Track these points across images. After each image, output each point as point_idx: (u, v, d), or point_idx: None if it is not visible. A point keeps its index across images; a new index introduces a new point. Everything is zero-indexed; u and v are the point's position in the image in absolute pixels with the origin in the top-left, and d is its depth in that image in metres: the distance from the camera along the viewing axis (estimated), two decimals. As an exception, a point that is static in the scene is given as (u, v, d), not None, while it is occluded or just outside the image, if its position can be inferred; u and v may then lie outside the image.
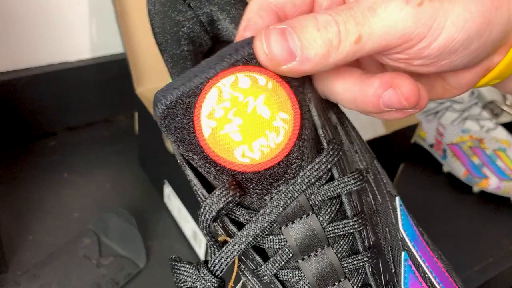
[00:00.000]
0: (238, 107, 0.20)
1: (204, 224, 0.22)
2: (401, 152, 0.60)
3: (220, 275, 0.23)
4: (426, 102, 0.21)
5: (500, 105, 0.73)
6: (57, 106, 0.66)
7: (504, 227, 0.62)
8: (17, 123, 0.64)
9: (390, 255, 0.24)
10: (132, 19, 0.57)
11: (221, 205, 0.21)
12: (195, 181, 0.23)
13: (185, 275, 0.23)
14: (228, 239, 0.23)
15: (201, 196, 0.23)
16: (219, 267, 0.22)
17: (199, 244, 0.51)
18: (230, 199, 0.21)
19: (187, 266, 0.23)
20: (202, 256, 0.52)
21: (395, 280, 0.24)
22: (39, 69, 0.63)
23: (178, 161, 0.23)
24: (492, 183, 0.63)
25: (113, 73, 0.67)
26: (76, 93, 0.66)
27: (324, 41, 0.19)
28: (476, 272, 0.45)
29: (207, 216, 0.21)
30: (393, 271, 0.24)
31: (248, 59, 0.20)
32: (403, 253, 0.25)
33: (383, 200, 0.25)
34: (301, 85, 0.22)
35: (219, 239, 0.24)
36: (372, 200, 0.25)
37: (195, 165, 0.22)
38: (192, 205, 0.51)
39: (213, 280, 0.23)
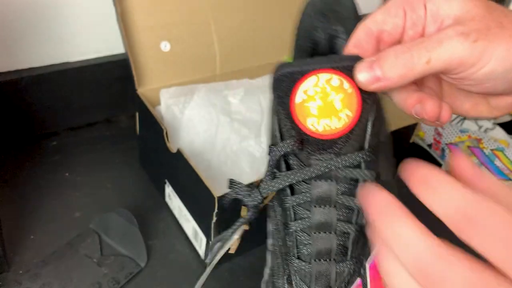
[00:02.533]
0: (323, 94, 0.29)
1: (274, 157, 0.31)
2: (400, 152, 0.61)
3: (265, 196, 0.32)
4: (445, 120, 0.29)
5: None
6: (59, 106, 0.66)
7: (503, 227, 0.62)
8: (18, 123, 0.65)
9: (368, 244, 0.33)
10: (133, 19, 0.57)
11: (288, 150, 0.30)
12: (276, 127, 0.31)
13: (239, 191, 0.33)
14: (246, 227, 0.35)
15: (276, 137, 0.32)
16: (267, 190, 0.32)
17: (200, 244, 0.52)
18: (294, 148, 0.30)
19: (244, 185, 0.33)
20: (202, 255, 0.52)
21: (365, 255, 0.33)
22: (41, 69, 0.63)
23: (271, 109, 0.32)
24: (490, 183, 0.63)
25: (115, 73, 0.68)
26: (78, 93, 0.67)
27: (402, 64, 0.26)
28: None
29: (277, 153, 0.31)
30: (366, 249, 0.33)
31: (346, 68, 0.29)
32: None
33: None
34: (371, 100, 0.30)
35: (241, 213, 0.34)
36: (362, 221, 0.33)
37: (279, 117, 0.31)
38: (193, 205, 0.52)
39: (259, 197, 0.32)
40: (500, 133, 0.68)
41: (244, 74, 0.67)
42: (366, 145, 0.31)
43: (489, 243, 0.19)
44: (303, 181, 0.31)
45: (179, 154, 0.49)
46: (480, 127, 0.67)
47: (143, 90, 0.58)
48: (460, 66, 0.26)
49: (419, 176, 0.22)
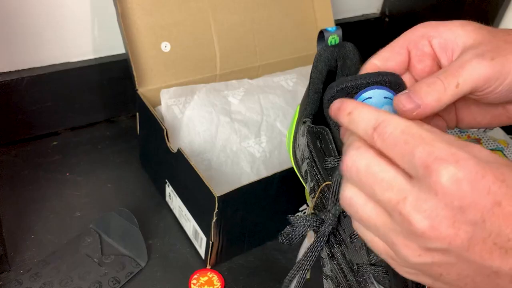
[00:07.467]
0: None
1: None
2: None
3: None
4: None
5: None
6: (59, 106, 0.66)
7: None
8: (19, 123, 0.65)
9: None
10: (133, 19, 0.57)
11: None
12: (330, 140, 0.35)
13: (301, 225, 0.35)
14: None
15: (331, 150, 0.36)
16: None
17: (200, 243, 0.52)
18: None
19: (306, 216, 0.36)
20: (203, 255, 0.52)
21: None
22: (41, 70, 0.63)
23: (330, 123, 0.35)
24: (490, 183, 0.63)
25: (115, 73, 0.68)
26: (78, 93, 0.67)
27: (436, 91, 0.29)
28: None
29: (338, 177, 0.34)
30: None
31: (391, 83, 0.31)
32: None
33: None
34: None
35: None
36: None
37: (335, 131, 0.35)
38: (193, 204, 0.52)
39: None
40: (499, 133, 0.68)
41: (244, 74, 0.67)
42: None
43: (391, 148, 0.25)
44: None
45: (179, 154, 0.49)
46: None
47: (144, 90, 0.59)
48: (486, 83, 0.29)
49: (336, 107, 0.28)
